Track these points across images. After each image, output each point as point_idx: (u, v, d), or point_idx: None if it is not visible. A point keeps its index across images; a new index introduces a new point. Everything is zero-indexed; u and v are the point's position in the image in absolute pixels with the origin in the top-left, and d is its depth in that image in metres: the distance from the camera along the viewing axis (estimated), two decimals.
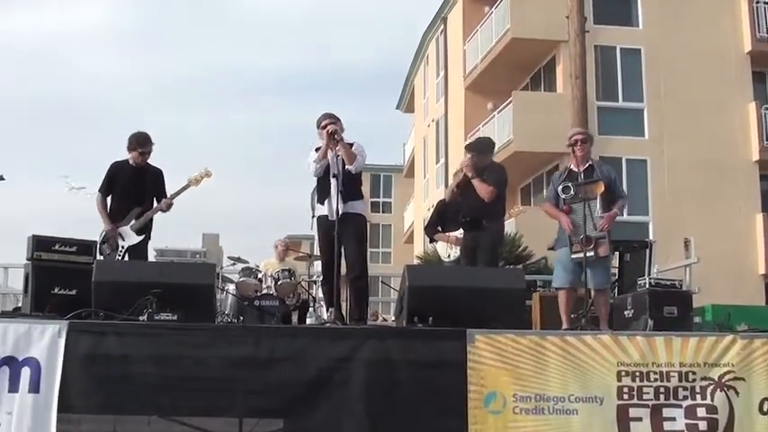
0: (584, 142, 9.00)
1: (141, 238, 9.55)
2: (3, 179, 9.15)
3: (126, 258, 9.47)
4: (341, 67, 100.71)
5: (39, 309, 8.46)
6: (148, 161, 9.76)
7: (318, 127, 8.97)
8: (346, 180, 8.64)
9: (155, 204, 9.67)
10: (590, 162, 9.01)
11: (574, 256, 8.57)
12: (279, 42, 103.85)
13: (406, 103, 40.49)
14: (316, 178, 9.01)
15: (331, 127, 8.71)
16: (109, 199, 9.73)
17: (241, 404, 6.57)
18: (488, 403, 6.78)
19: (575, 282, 8.70)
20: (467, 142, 10.37)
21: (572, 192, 8.59)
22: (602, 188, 8.59)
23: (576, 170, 8.92)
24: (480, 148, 10.18)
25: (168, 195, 9.66)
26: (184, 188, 9.72)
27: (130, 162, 9.69)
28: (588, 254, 8.39)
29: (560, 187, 8.73)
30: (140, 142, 9.68)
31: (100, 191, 9.74)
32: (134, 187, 9.62)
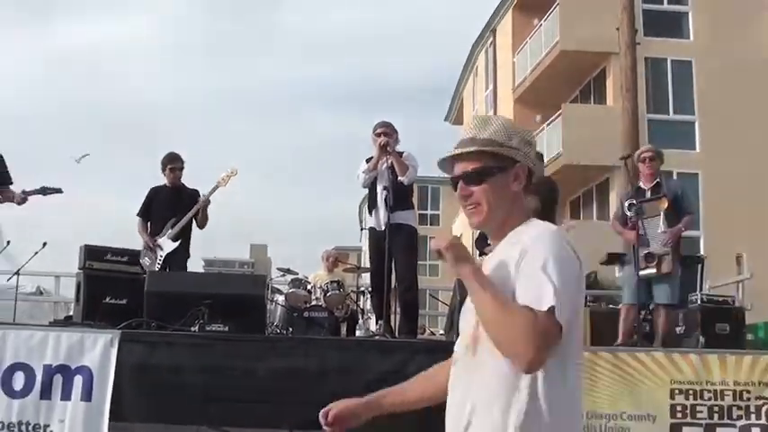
0: (653, 159, 8.95)
1: (177, 244, 9.61)
2: (60, 191, 9.21)
3: (166, 267, 9.54)
4: (390, 79, 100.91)
5: (90, 317, 8.52)
6: (184, 182, 9.93)
7: (374, 133, 8.95)
8: (396, 190, 8.60)
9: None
10: (658, 179, 8.95)
11: (640, 273, 8.50)
12: (326, 56, 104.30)
13: (455, 115, 40.39)
14: (366, 189, 9.01)
15: (383, 140, 8.69)
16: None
17: (291, 416, 6.54)
18: None
19: (638, 298, 8.61)
20: None
21: (637, 209, 8.54)
22: (666, 204, 8.52)
23: (644, 187, 8.89)
24: None
25: (204, 195, 9.77)
26: (214, 189, 9.81)
27: (167, 184, 9.86)
28: (650, 270, 8.33)
29: (626, 204, 8.71)
30: (171, 159, 9.93)
31: (139, 215, 9.91)
32: (171, 207, 9.76)
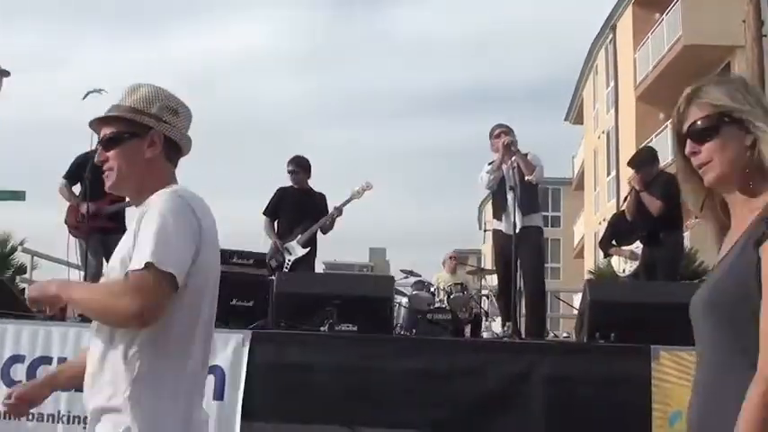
0: None
1: (307, 250, 9.71)
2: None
3: (293, 271, 9.64)
4: (507, 79, 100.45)
5: (217, 319, 8.61)
6: (311, 185, 10.01)
7: (491, 137, 8.88)
8: (523, 192, 8.50)
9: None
10: None
11: None
12: (440, 59, 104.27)
13: (575, 115, 39.98)
14: (490, 192, 8.94)
15: (507, 139, 8.61)
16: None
17: (420, 417, 6.51)
18: (673, 423, 6.51)
19: None
20: (629, 158, 9.99)
21: None
22: None
23: None
24: (641, 163, 9.80)
25: (335, 207, 9.85)
26: (348, 201, 9.89)
27: (295, 186, 9.97)
28: None
29: None
30: (298, 163, 10.07)
31: (265, 213, 10.03)
32: (299, 210, 9.87)
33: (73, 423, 6.81)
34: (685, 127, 2.45)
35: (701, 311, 2.36)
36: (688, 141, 2.43)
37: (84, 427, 6.76)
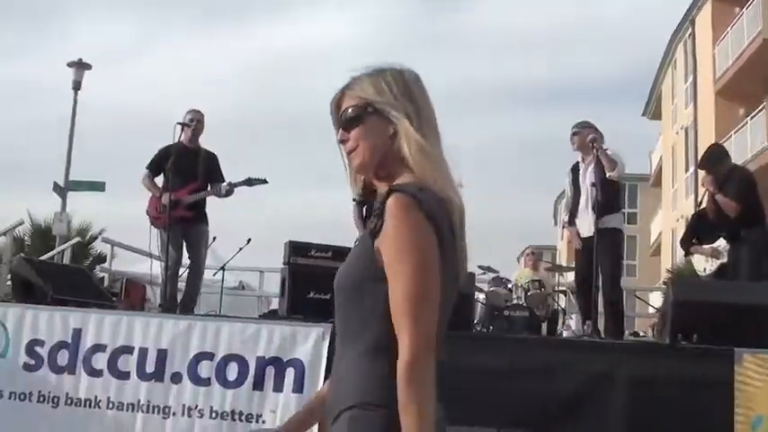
0: None
1: None
2: (266, 182, 9.43)
3: None
4: (583, 74, 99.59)
5: (294, 312, 8.67)
6: None
7: (573, 134, 8.82)
8: (603, 191, 8.41)
9: None
10: None
11: None
12: (517, 53, 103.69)
13: (653, 110, 39.47)
14: (568, 188, 8.88)
15: (591, 135, 8.55)
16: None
17: (500, 415, 6.47)
18: (756, 428, 6.39)
19: None
20: (700, 158, 9.79)
21: None
22: None
23: None
24: (711, 162, 9.56)
25: None
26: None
27: None
28: None
29: None
30: None
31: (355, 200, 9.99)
32: None
33: (152, 413, 6.90)
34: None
35: (335, 292, 2.53)
36: (340, 129, 2.57)
37: (164, 417, 6.88)
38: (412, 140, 2.46)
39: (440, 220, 2.37)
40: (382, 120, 2.51)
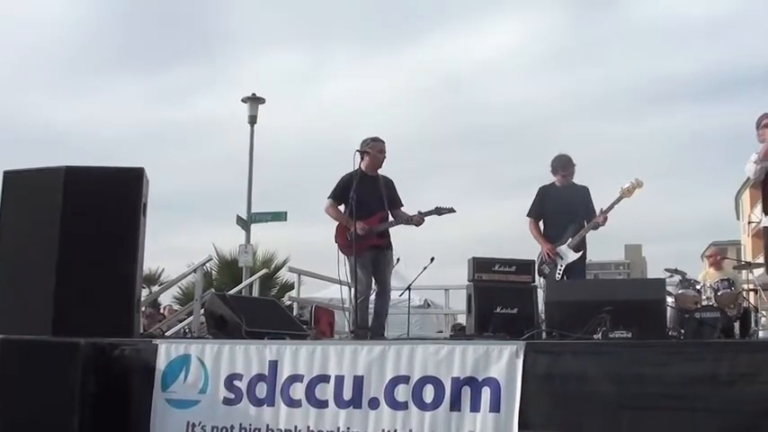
0: None
1: (579, 254, 9.64)
2: (454, 211, 9.52)
3: (565, 276, 9.57)
4: (753, 63, 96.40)
5: (482, 328, 8.71)
6: (574, 181, 9.90)
7: (758, 127, 8.54)
8: None
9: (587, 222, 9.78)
10: None
11: None
12: (694, 45, 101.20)
13: None
14: (749, 181, 8.61)
15: None
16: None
17: (702, 425, 6.27)
18: None
19: None
20: None
21: None
22: None
23: None
24: None
25: (603, 209, 9.70)
26: (618, 200, 9.68)
27: (557, 184, 9.90)
28: None
29: None
30: (562, 165, 9.90)
31: (529, 215, 9.99)
32: (565, 209, 9.75)
33: None
34: None
35: None
36: None
37: None
38: None
39: None
40: None
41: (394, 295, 10.83)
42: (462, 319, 12.95)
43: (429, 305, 18.17)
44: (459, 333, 10.23)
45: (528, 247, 10.00)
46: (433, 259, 11.50)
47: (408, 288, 11.82)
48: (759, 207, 8.71)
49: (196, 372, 7.50)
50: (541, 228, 9.98)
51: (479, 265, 9.54)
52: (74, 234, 7.90)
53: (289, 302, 15.20)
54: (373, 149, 9.50)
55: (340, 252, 9.49)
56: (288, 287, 19.15)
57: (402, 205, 9.63)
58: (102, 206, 8.04)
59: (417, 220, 9.42)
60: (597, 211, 9.73)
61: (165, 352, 7.65)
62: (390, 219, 9.50)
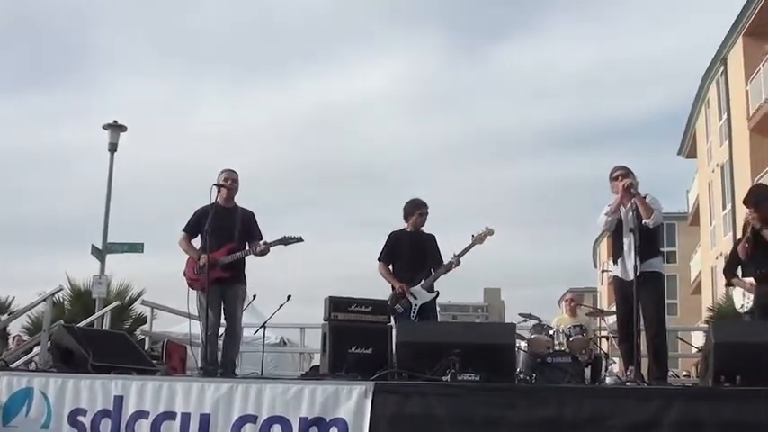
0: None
1: (434, 295, 9.78)
2: (301, 240, 9.49)
3: (418, 316, 9.68)
4: (618, 115, 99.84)
5: (336, 367, 8.67)
6: (422, 229, 10.10)
7: (611, 179, 8.80)
8: (643, 235, 8.34)
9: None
10: None
11: None
12: (551, 96, 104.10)
13: (688, 149, 39.36)
14: (606, 232, 8.86)
15: (627, 181, 8.54)
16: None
17: None
18: None
19: None
20: (744, 197, 9.66)
21: None
22: None
23: None
24: (759, 199, 9.44)
25: (455, 254, 9.86)
26: (469, 247, 9.91)
27: (407, 230, 10.06)
28: None
29: None
30: (417, 206, 10.15)
31: (380, 259, 10.10)
32: (417, 254, 9.92)
33: None
34: None
35: None
36: None
37: None
38: None
39: None
40: None
41: (249, 332, 10.71)
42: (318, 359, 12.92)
43: (285, 343, 18.05)
44: (311, 372, 10.17)
45: (386, 288, 10.07)
46: (290, 297, 11.45)
47: (264, 325, 11.73)
48: None
49: (39, 406, 7.31)
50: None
51: (335, 305, 9.51)
52: None
53: (141, 336, 14.90)
54: (226, 181, 9.48)
55: (189, 287, 9.40)
56: (142, 320, 18.72)
57: (261, 238, 9.56)
58: None
59: (263, 249, 9.36)
60: (450, 256, 9.91)
61: (7, 385, 7.43)
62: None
